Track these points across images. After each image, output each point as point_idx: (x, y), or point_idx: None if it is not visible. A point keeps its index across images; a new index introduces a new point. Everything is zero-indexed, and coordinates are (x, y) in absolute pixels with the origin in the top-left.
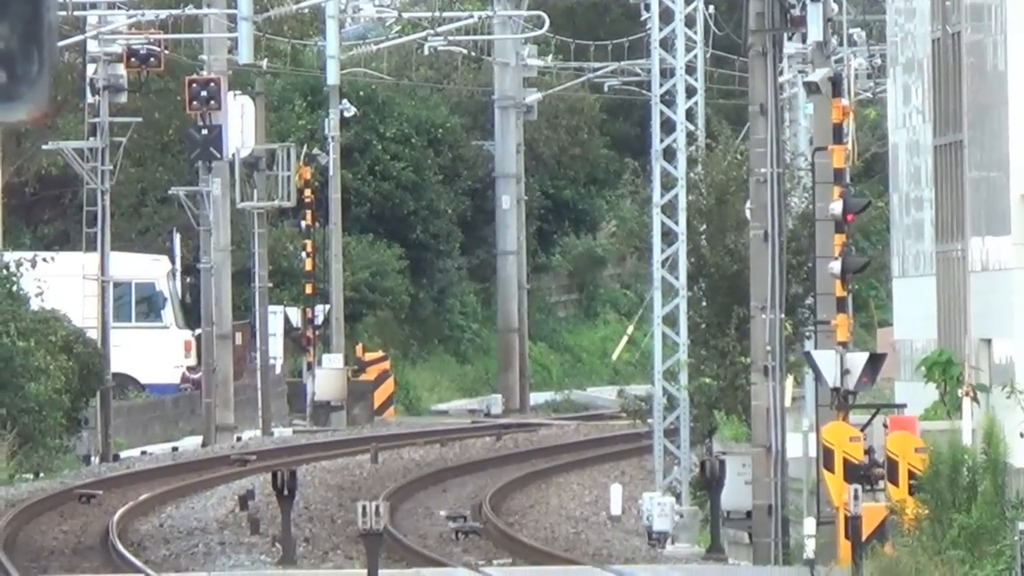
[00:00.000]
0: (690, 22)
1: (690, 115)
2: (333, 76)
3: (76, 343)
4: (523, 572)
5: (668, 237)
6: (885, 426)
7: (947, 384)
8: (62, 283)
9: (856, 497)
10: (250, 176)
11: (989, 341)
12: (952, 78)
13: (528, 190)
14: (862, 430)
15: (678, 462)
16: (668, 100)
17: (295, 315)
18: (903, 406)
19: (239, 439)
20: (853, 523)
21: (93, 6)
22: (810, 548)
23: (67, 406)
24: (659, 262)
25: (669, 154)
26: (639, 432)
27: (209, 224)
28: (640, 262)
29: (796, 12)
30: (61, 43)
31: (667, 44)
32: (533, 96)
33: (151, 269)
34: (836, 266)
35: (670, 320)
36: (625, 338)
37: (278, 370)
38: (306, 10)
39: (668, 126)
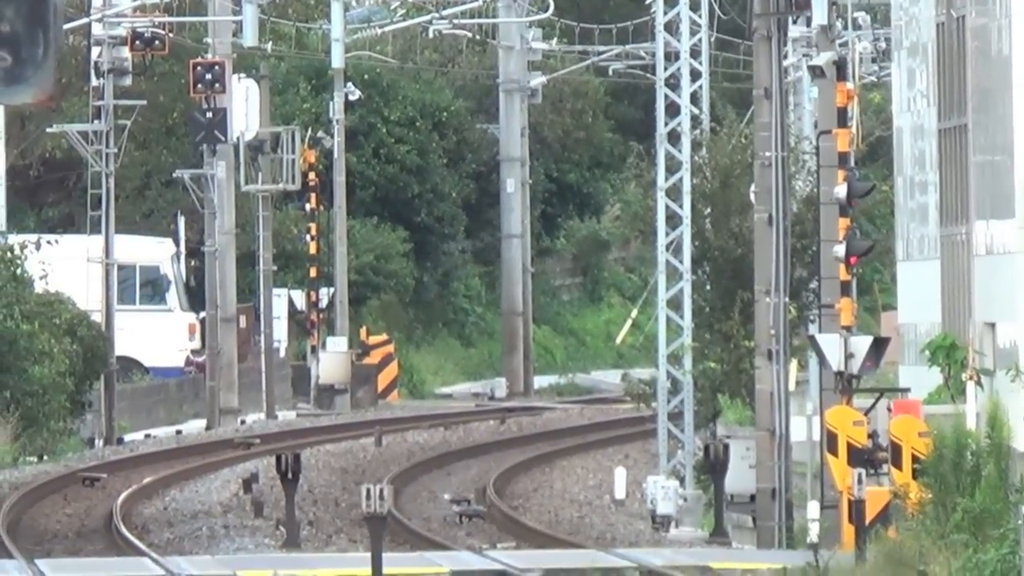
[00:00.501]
0: (695, 5)
1: (695, 99)
2: (338, 59)
3: (80, 326)
4: (527, 555)
5: (672, 221)
6: (889, 410)
7: (951, 368)
8: (66, 266)
9: (860, 481)
10: (254, 159)
11: (993, 325)
12: (956, 62)
13: (532, 173)
14: (866, 414)
15: (682, 446)
16: (673, 83)
17: (299, 298)
18: (907, 390)
19: (243, 422)
20: (857, 507)
21: None
22: (814, 532)
23: (71, 389)
24: (663, 246)
25: (673, 137)
26: (643, 416)
27: (213, 207)
28: (644, 245)
29: None
30: (66, 26)
31: (672, 27)
32: (538, 79)
33: (155, 252)
34: (840, 250)
35: (674, 304)
36: (629, 322)
37: (282, 353)
38: None
39: (673, 109)
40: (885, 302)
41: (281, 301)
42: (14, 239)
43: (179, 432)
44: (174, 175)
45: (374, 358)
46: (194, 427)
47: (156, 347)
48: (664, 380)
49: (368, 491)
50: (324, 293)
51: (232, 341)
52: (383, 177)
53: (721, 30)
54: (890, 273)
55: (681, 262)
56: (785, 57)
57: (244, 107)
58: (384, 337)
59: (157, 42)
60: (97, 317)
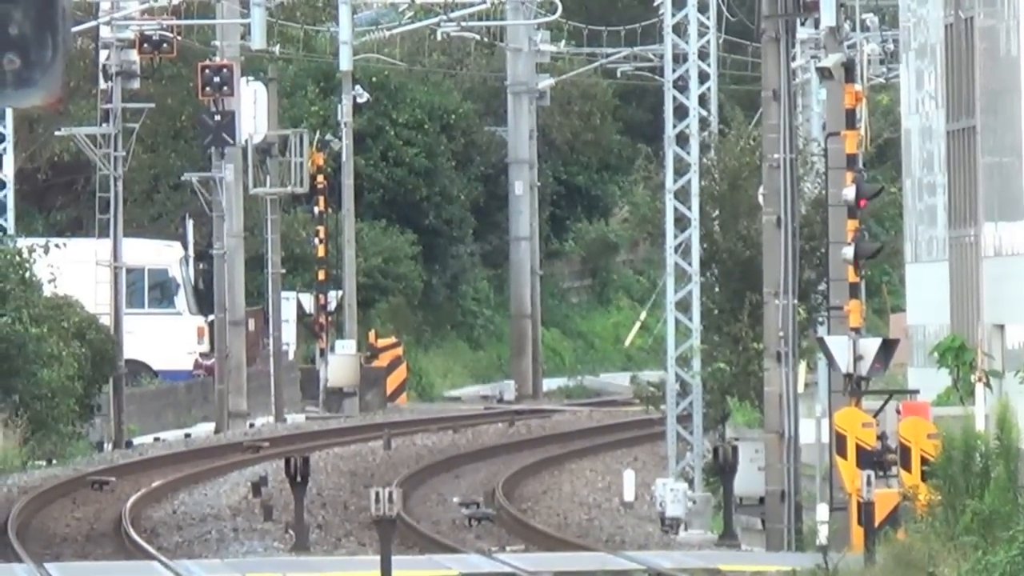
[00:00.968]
0: (703, 7)
1: (703, 101)
2: (346, 62)
3: (89, 329)
4: (536, 558)
5: (681, 223)
6: (898, 412)
7: (960, 370)
8: (75, 269)
9: (869, 483)
10: (263, 162)
11: (1002, 327)
12: (965, 64)
13: (541, 176)
14: (875, 416)
15: (691, 448)
16: (681, 86)
17: (308, 301)
18: (916, 392)
19: (252, 425)
20: (866, 509)
21: None
22: (823, 534)
23: (80, 393)
24: (672, 248)
25: (682, 140)
26: (652, 418)
27: (222, 210)
28: (653, 248)
29: None
30: (74, 29)
31: (680, 29)
32: (546, 82)
33: (164, 255)
34: (849, 252)
35: (683, 306)
36: (638, 324)
37: (291, 356)
38: None
39: (681, 112)
40: (894, 304)
41: (290, 304)
42: (23, 243)
43: (188, 435)
44: (182, 178)
45: (383, 361)
46: (203, 430)
47: (165, 350)
48: (673, 382)
49: (377, 494)
50: (333, 296)
51: (241, 344)
52: (391, 180)
53: (729, 32)
54: (899, 275)
55: (690, 264)
56: (793, 59)
57: (252, 110)
58: (393, 340)
59: (165, 45)
60: (106, 320)
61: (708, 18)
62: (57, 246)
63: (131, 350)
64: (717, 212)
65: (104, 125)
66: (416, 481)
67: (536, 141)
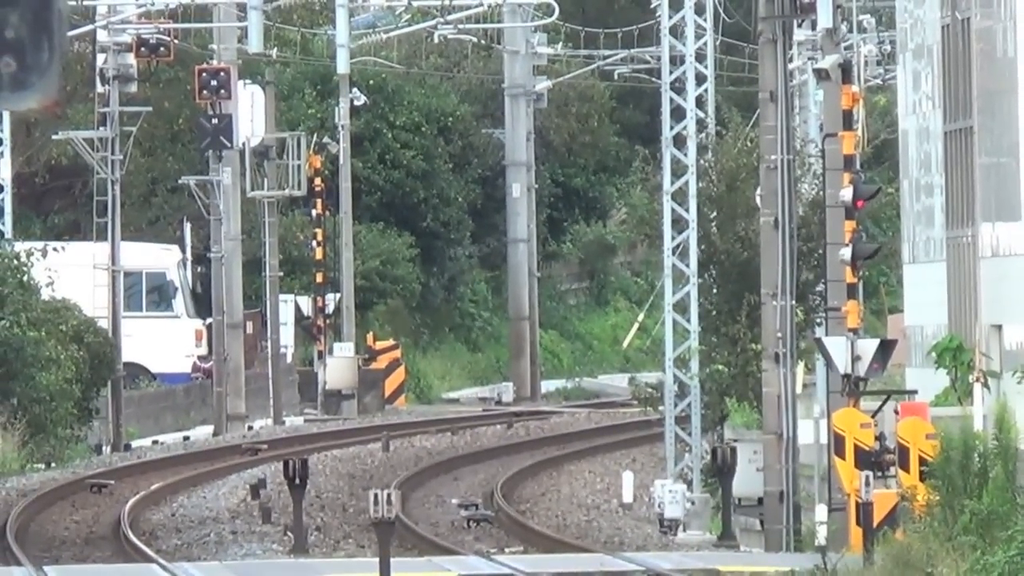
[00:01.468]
0: (700, 9)
1: (700, 102)
2: (343, 65)
3: (87, 333)
4: (535, 560)
5: (679, 224)
6: (896, 412)
7: (958, 370)
8: (73, 273)
9: (867, 484)
10: (260, 165)
11: (1000, 327)
12: (962, 64)
13: (538, 178)
14: (873, 416)
15: (689, 449)
16: (678, 87)
17: (306, 304)
18: (914, 392)
19: (250, 428)
20: (864, 510)
21: None
22: (821, 535)
23: (78, 396)
24: (670, 249)
25: (679, 141)
26: (650, 419)
27: (220, 213)
28: (651, 249)
29: None
30: (71, 32)
31: (677, 31)
32: (543, 84)
33: (162, 258)
34: (847, 253)
35: (681, 307)
36: (636, 325)
37: (289, 359)
38: None
39: (678, 113)
40: (892, 304)
41: (288, 307)
42: (20, 246)
43: (186, 438)
44: (180, 181)
45: (381, 363)
46: (201, 433)
47: (163, 353)
48: (671, 384)
49: (376, 496)
50: (331, 299)
51: (239, 347)
52: (389, 182)
53: (726, 34)
54: (896, 276)
55: (687, 266)
56: (790, 60)
57: (250, 113)
58: (391, 342)
59: (162, 48)
60: (104, 324)
61: (705, 20)
62: (55, 250)
63: (129, 353)
64: (715, 213)
65: (101, 129)
66: (415, 483)
67: (533, 143)
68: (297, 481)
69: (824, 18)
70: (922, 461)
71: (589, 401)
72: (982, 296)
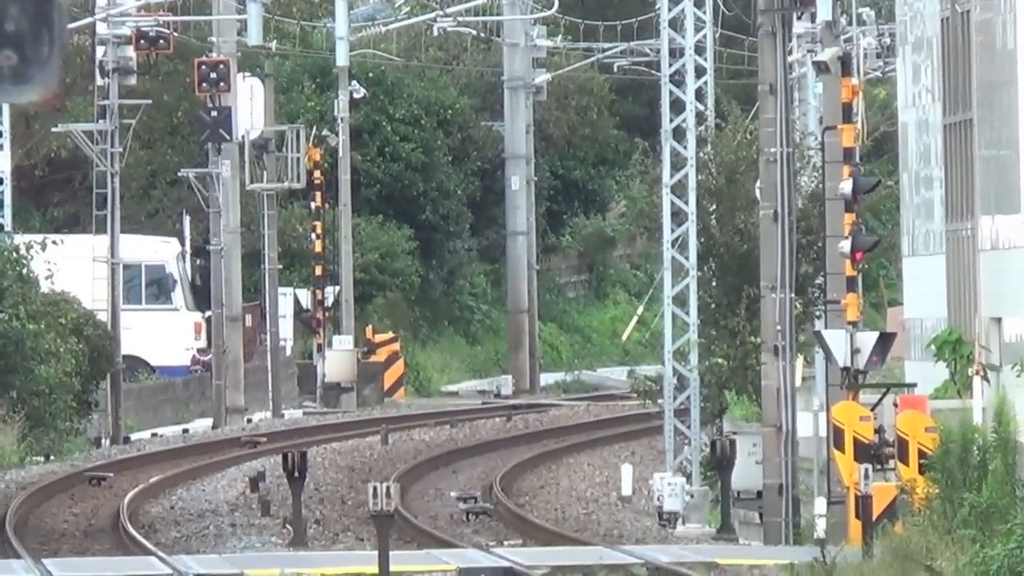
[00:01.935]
0: (699, 2)
1: (699, 95)
2: (342, 57)
3: (86, 325)
4: (534, 552)
5: (678, 217)
6: (895, 405)
7: (957, 363)
8: (72, 266)
9: (866, 477)
10: (260, 158)
11: (999, 320)
12: (961, 57)
13: (538, 170)
14: (872, 409)
15: (689, 442)
16: (677, 80)
17: (305, 297)
18: (913, 385)
19: (249, 421)
20: (863, 503)
21: None
22: (821, 528)
23: (77, 389)
24: (669, 242)
25: (679, 134)
26: (649, 412)
27: (219, 206)
28: (650, 242)
29: None
30: (70, 25)
31: (676, 24)
32: (542, 77)
33: (161, 251)
34: (846, 245)
35: (680, 300)
36: (635, 318)
37: (288, 352)
38: None
39: (677, 106)
40: (891, 297)
41: (287, 300)
42: (20, 239)
43: (186, 431)
44: (179, 174)
45: (380, 356)
46: (201, 426)
47: (162, 346)
48: (670, 376)
49: (375, 489)
50: (330, 291)
51: (238, 340)
52: (388, 175)
53: (726, 26)
54: (896, 268)
55: (687, 258)
56: (790, 53)
57: (249, 106)
58: (390, 335)
59: (162, 41)
60: (103, 316)
61: (704, 12)
62: (54, 242)
63: (128, 346)
64: (714, 206)
65: (101, 121)
66: (414, 476)
67: (533, 136)
68: (296, 474)
69: (823, 11)
70: (921, 454)
71: (588, 394)
72: (981, 289)
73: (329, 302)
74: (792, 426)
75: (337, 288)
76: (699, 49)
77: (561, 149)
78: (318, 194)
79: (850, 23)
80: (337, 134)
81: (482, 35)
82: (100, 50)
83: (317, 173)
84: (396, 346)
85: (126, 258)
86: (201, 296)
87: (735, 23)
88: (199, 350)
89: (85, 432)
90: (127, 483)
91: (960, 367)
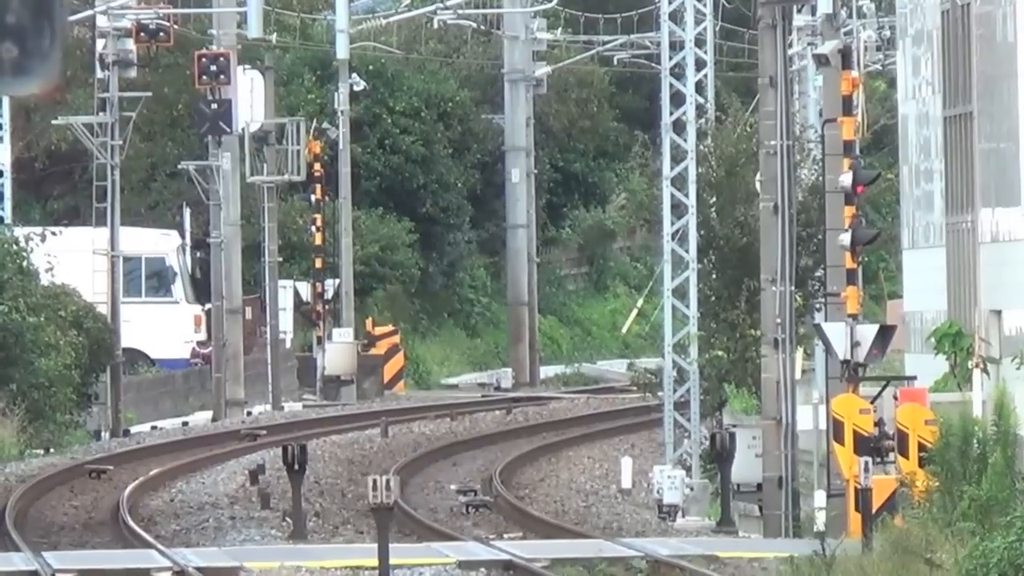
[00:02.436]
0: None
1: (699, 88)
2: (342, 50)
3: (86, 318)
4: (534, 545)
5: (678, 210)
6: (895, 398)
7: (957, 356)
8: (72, 258)
9: (866, 469)
10: (260, 150)
11: (999, 312)
12: (961, 49)
13: (538, 163)
14: (872, 402)
15: (688, 435)
16: (678, 73)
17: (305, 289)
18: (913, 378)
19: (249, 414)
20: (863, 495)
21: None
22: (820, 520)
23: (77, 381)
24: (669, 235)
25: (679, 127)
26: (649, 405)
27: (219, 199)
28: (650, 235)
29: None
30: (71, 18)
31: (676, 17)
32: (542, 69)
33: (161, 244)
34: (846, 238)
35: (680, 293)
36: (635, 311)
37: (288, 345)
38: None
39: (678, 99)
40: (891, 290)
41: (287, 292)
42: (20, 231)
43: (185, 424)
44: (179, 167)
45: (380, 349)
46: (200, 419)
47: (162, 339)
48: (670, 369)
49: (375, 482)
50: (330, 284)
51: (238, 333)
52: (388, 168)
53: (726, 19)
54: (896, 261)
55: (687, 251)
56: (790, 46)
57: (249, 98)
58: (390, 328)
59: (162, 34)
60: (103, 309)
61: (704, 5)
62: (54, 234)
63: (128, 339)
64: (714, 199)
65: (101, 114)
66: (413, 469)
67: (533, 129)
68: (296, 467)
69: (824, 3)
70: (921, 447)
71: (588, 387)
72: (981, 282)
73: (329, 295)
74: (792, 419)
75: (337, 281)
76: (699, 42)
77: (561, 142)
78: (318, 187)
79: (850, 16)
80: (337, 127)
81: (482, 28)
82: (100, 43)
83: (317, 166)
84: (396, 339)
85: (126, 251)
86: (201, 289)
87: (735, 16)
88: (199, 343)
89: (85, 425)
90: (127, 476)
91: (960, 360)
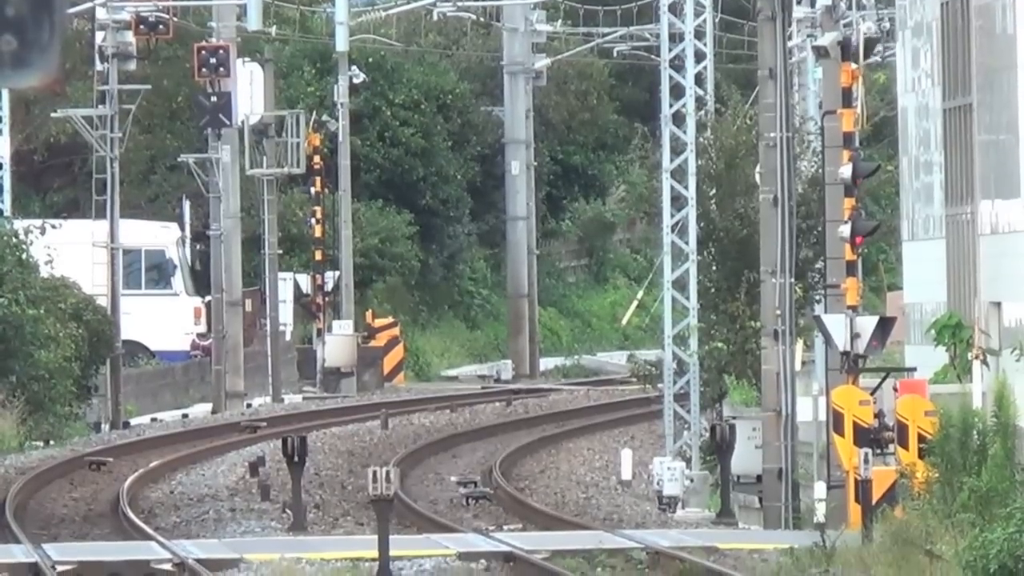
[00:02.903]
0: None
1: (699, 80)
2: (342, 42)
3: (86, 310)
4: (534, 537)
5: (678, 202)
6: (895, 390)
7: (957, 347)
8: (72, 250)
9: (866, 461)
10: (259, 143)
11: (999, 304)
12: (961, 41)
13: (537, 155)
14: (872, 394)
15: (688, 427)
16: (677, 65)
17: (305, 282)
18: (913, 369)
19: (249, 406)
20: (863, 487)
21: None
22: (820, 512)
23: (77, 374)
24: (669, 227)
25: (678, 119)
26: (649, 397)
27: (219, 191)
28: (649, 227)
29: None
30: (70, 10)
31: (676, 9)
32: (542, 61)
33: (161, 236)
34: (846, 230)
35: (680, 285)
36: (635, 303)
37: (288, 337)
38: None
39: (677, 91)
40: (891, 282)
41: (287, 284)
42: (19, 224)
43: (185, 416)
44: (179, 159)
45: (380, 341)
46: (200, 411)
47: (162, 331)
48: (670, 361)
49: (375, 474)
50: (329, 276)
51: (238, 325)
52: (388, 160)
53: (725, 11)
54: (895, 253)
55: (686, 243)
56: (789, 38)
57: (248, 91)
58: (390, 320)
59: (161, 26)
60: (103, 301)
61: None
62: (54, 227)
63: (128, 331)
64: (714, 191)
65: (100, 107)
66: (413, 460)
67: (532, 121)
68: (296, 459)
69: None
70: (921, 438)
71: (588, 379)
72: (981, 273)
73: (329, 287)
74: (792, 410)
75: (337, 273)
76: (699, 34)
77: (561, 134)
78: (318, 179)
79: (850, 7)
80: (337, 119)
81: (482, 20)
82: (100, 35)
83: (317, 158)
84: (396, 331)
85: (126, 243)
86: (201, 281)
87: (735, 8)
88: (199, 335)
89: (85, 417)
90: (127, 468)
91: (960, 351)
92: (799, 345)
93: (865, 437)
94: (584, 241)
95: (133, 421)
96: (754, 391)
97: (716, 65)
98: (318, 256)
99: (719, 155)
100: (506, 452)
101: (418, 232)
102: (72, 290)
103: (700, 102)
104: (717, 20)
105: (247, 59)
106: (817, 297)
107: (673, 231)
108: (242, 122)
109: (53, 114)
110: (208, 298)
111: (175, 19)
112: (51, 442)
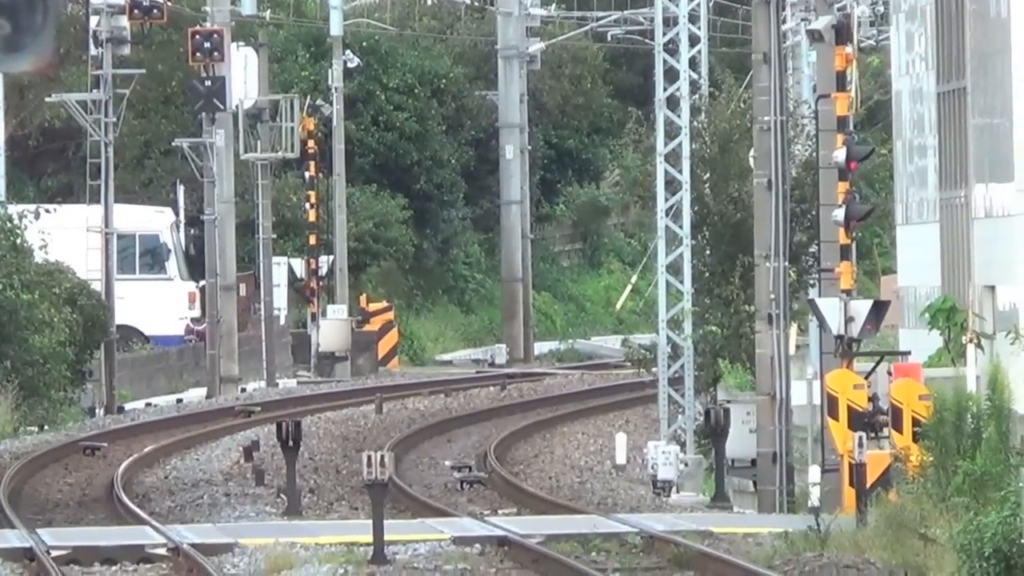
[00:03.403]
0: None
1: (693, 64)
2: (336, 27)
3: (80, 295)
4: (528, 521)
5: (672, 186)
6: (889, 373)
7: (951, 331)
8: (66, 235)
9: (860, 445)
10: (253, 127)
11: (993, 288)
12: (955, 25)
13: (532, 140)
14: (866, 378)
15: (682, 411)
16: (671, 49)
17: (299, 266)
18: (907, 353)
19: (243, 390)
20: (857, 471)
21: None
22: (815, 496)
23: (71, 358)
24: (663, 211)
25: (673, 103)
26: (643, 381)
27: (213, 176)
28: (644, 211)
29: None
30: None
31: None
32: (536, 46)
33: (155, 221)
34: (840, 214)
35: (674, 269)
36: (629, 287)
37: (282, 321)
38: None
39: (671, 75)
40: (885, 266)
41: (281, 269)
42: (13, 209)
43: (180, 401)
44: (173, 144)
45: (374, 325)
46: (195, 395)
47: (156, 316)
48: (664, 345)
49: (369, 458)
50: (324, 261)
51: (232, 309)
52: (382, 144)
53: None
54: (890, 237)
55: (681, 227)
56: (784, 21)
57: (243, 75)
58: (384, 304)
59: (155, 11)
60: (97, 286)
61: None
62: (48, 212)
63: (122, 316)
64: (708, 175)
65: (95, 91)
66: (408, 445)
67: (527, 105)
68: (290, 443)
69: None
70: (915, 422)
71: (582, 363)
72: (975, 257)
73: (323, 271)
74: (786, 394)
75: (331, 257)
76: (693, 18)
77: (555, 118)
78: (312, 163)
79: None
80: (331, 103)
81: (476, 4)
82: (94, 20)
83: (311, 142)
84: (390, 315)
85: (120, 228)
86: (195, 266)
87: None
88: (193, 320)
89: (79, 402)
90: (121, 453)
91: (954, 335)
92: (793, 329)
93: (859, 421)
94: (578, 225)
95: (127, 406)
96: (748, 375)
97: (710, 49)
98: (312, 240)
99: (713, 139)
100: (500, 436)
101: (412, 216)
102: (66, 275)
103: (694, 86)
104: (711, 4)
105: (241, 43)
106: (811, 281)
107: (667, 215)
108: (236, 106)
109: (47, 99)
110: (202, 283)
111: (169, 3)
112: (45, 427)
